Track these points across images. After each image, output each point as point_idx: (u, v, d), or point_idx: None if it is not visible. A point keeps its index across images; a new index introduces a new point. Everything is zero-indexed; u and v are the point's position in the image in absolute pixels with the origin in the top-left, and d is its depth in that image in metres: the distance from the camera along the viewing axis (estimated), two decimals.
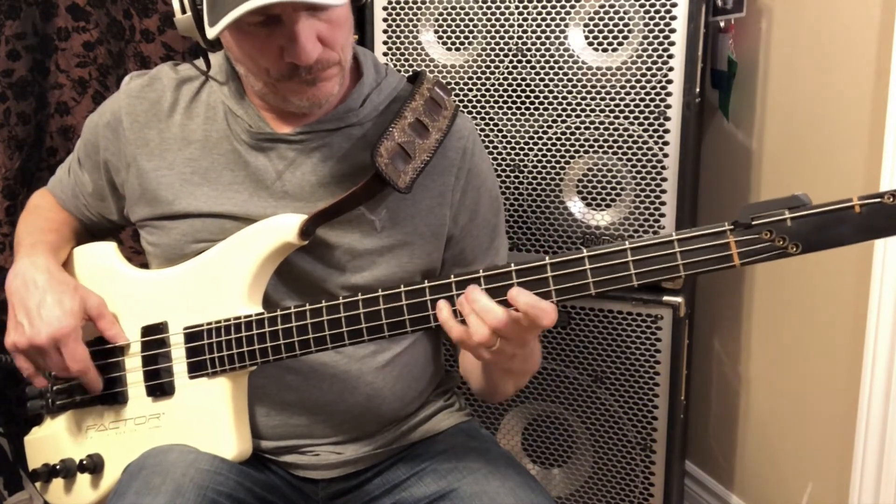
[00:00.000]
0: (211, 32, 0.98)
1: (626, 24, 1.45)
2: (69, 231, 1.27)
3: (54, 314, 1.08)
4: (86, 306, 1.11)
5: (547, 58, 1.50)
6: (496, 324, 0.90)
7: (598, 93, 1.48)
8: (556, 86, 1.50)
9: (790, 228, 0.84)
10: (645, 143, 1.46)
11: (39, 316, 1.08)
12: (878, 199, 0.80)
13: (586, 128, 1.50)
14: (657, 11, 1.42)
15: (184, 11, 1.02)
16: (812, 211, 0.83)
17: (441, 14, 1.56)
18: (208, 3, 0.98)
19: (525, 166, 1.55)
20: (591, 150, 1.51)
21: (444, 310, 0.95)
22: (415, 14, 1.57)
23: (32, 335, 1.07)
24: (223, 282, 1.09)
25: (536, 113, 1.53)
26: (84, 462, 1.13)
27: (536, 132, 1.54)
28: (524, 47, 1.51)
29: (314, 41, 1.00)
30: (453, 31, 1.56)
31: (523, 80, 1.53)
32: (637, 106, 1.46)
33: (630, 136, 1.47)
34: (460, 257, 1.20)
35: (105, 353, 1.14)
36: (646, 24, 1.43)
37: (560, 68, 1.50)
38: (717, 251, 0.87)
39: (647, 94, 1.45)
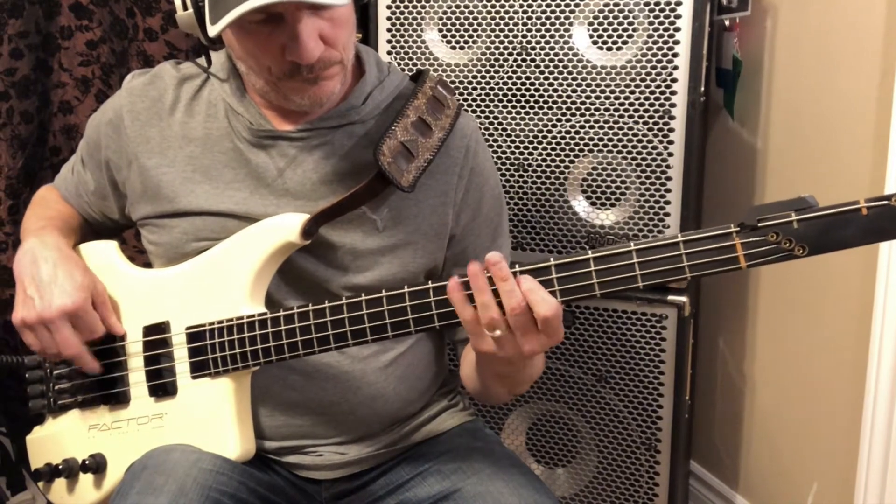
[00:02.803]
0: (212, 30, 0.97)
1: (630, 23, 1.44)
2: (76, 223, 1.27)
3: (65, 288, 1.08)
4: (93, 287, 1.11)
5: (551, 56, 1.49)
6: (514, 305, 0.90)
7: (603, 91, 1.47)
8: (561, 84, 1.50)
9: (796, 230, 0.83)
10: (650, 141, 1.46)
11: (50, 290, 1.08)
12: (885, 202, 0.80)
13: (591, 127, 1.49)
14: (662, 10, 1.41)
15: (185, 8, 1.02)
16: (818, 213, 0.83)
17: (445, 12, 1.55)
18: (210, 0, 0.98)
19: (529, 165, 1.55)
20: (595, 148, 1.50)
21: (456, 292, 0.93)
22: (419, 12, 1.57)
23: (42, 309, 1.07)
24: (225, 281, 1.09)
25: (541, 112, 1.52)
26: (87, 462, 1.13)
27: (541, 131, 1.53)
28: (528, 46, 1.51)
29: (316, 40, 1.00)
30: (457, 30, 1.55)
31: (527, 78, 1.52)
32: (642, 105, 1.45)
33: (635, 134, 1.47)
34: (461, 256, 1.19)
35: (107, 352, 1.14)
36: (650, 23, 1.43)
37: (564, 67, 1.49)
38: (722, 253, 0.87)
39: (652, 92, 1.44)
